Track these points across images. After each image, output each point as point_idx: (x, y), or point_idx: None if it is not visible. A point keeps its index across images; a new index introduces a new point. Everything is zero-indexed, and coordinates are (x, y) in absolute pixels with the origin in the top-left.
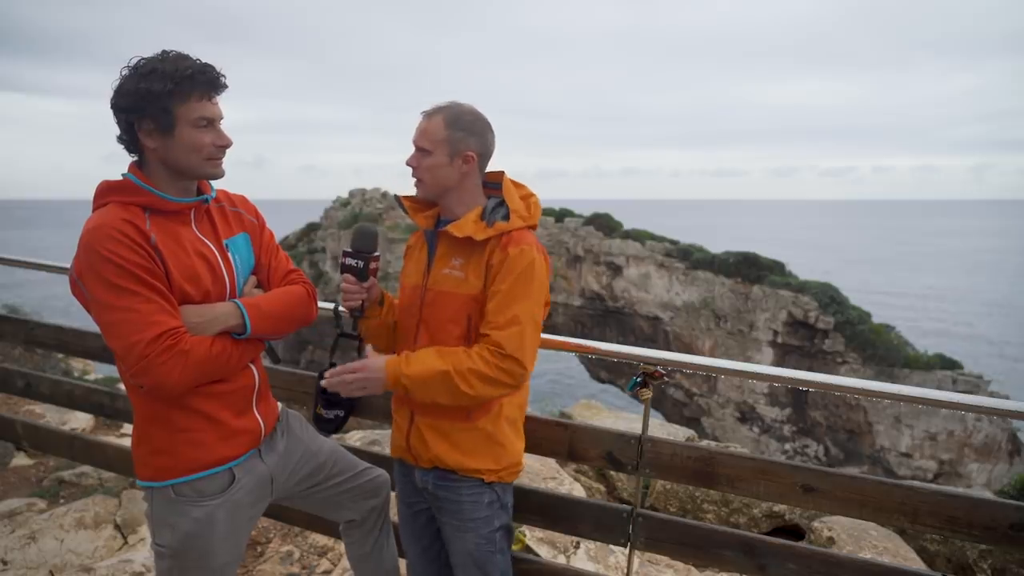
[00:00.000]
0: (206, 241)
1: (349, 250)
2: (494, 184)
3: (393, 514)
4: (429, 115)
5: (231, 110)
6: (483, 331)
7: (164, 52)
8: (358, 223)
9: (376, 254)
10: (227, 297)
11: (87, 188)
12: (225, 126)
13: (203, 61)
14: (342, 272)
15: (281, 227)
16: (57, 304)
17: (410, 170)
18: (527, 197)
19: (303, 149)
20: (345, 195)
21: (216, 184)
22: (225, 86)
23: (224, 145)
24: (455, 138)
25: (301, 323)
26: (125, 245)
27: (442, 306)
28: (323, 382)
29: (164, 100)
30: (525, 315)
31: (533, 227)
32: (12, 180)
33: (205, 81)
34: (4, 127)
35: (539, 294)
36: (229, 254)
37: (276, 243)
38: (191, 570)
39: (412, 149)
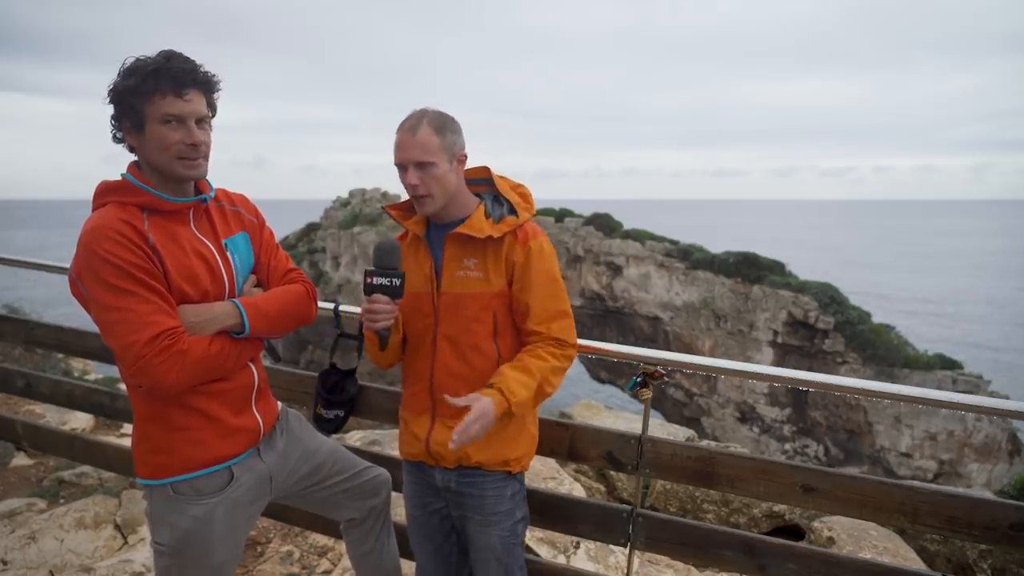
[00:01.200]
0: (205, 241)
1: (375, 268)
2: (474, 180)
3: (395, 514)
4: (414, 128)
5: (232, 110)
6: (535, 327)
7: (159, 52)
8: (379, 239)
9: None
10: (226, 296)
11: (87, 188)
12: (223, 126)
13: (183, 57)
14: (371, 292)
15: (281, 227)
16: (57, 304)
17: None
18: (517, 187)
19: (303, 149)
20: (345, 195)
21: (216, 183)
22: (205, 83)
23: (193, 143)
24: (448, 142)
25: (300, 322)
26: (123, 245)
27: (463, 308)
28: (452, 446)
29: (132, 97)
30: (566, 305)
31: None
32: (12, 180)
33: (170, 77)
34: (4, 127)
35: (561, 279)
36: (228, 253)
37: (276, 242)
38: (190, 568)
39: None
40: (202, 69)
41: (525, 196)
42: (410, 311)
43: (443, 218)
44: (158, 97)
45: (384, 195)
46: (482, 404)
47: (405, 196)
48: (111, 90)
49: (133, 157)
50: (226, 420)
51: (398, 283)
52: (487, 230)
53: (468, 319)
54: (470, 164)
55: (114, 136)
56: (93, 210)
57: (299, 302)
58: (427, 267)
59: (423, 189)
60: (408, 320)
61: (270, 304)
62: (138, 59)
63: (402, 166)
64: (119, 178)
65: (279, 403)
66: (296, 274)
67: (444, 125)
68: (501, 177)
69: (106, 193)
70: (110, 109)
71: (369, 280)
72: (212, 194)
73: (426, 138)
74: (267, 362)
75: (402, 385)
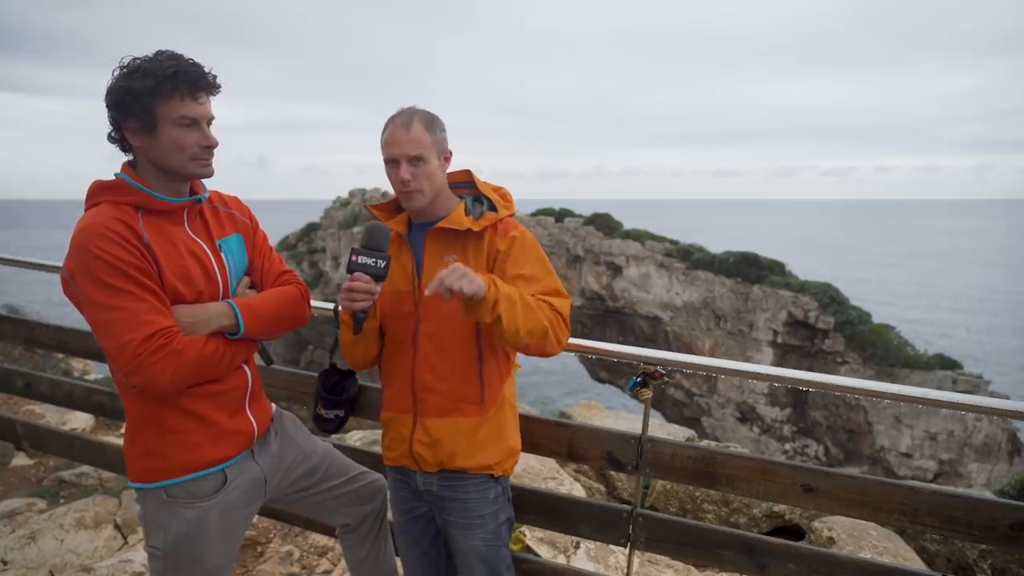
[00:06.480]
0: (199, 241)
1: (362, 248)
2: (456, 183)
3: (390, 514)
4: (407, 123)
5: (234, 110)
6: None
7: (158, 52)
8: (370, 221)
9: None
10: (220, 297)
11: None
12: (225, 126)
13: (191, 60)
14: (353, 271)
15: (281, 227)
16: (57, 304)
17: None
18: (498, 189)
19: (304, 149)
20: (345, 195)
21: (210, 185)
22: (213, 86)
23: (209, 146)
24: (439, 139)
25: (294, 324)
26: (117, 244)
27: (445, 304)
28: (428, 291)
29: (145, 99)
30: (561, 286)
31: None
32: (12, 180)
33: (187, 80)
34: (4, 127)
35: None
36: (222, 254)
37: (269, 244)
38: (184, 572)
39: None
40: (211, 72)
41: (505, 196)
42: (391, 310)
43: (425, 216)
44: (175, 100)
45: (384, 195)
46: (470, 271)
47: None
48: (115, 90)
49: (128, 156)
50: (220, 422)
51: (383, 265)
52: (467, 223)
53: (450, 315)
54: (473, 164)
55: (110, 136)
56: (87, 209)
57: (293, 304)
58: (409, 265)
59: (414, 184)
60: (389, 319)
61: (265, 305)
62: (142, 60)
63: (394, 160)
64: (113, 177)
65: (273, 405)
66: (290, 276)
67: (433, 123)
68: (483, 181)
69: (100, 192)
70: (107, 108)
71: (354, 258)
72: (206, 195)
73: (419, 134)
74: (259, 363)
75: (382, 386)
